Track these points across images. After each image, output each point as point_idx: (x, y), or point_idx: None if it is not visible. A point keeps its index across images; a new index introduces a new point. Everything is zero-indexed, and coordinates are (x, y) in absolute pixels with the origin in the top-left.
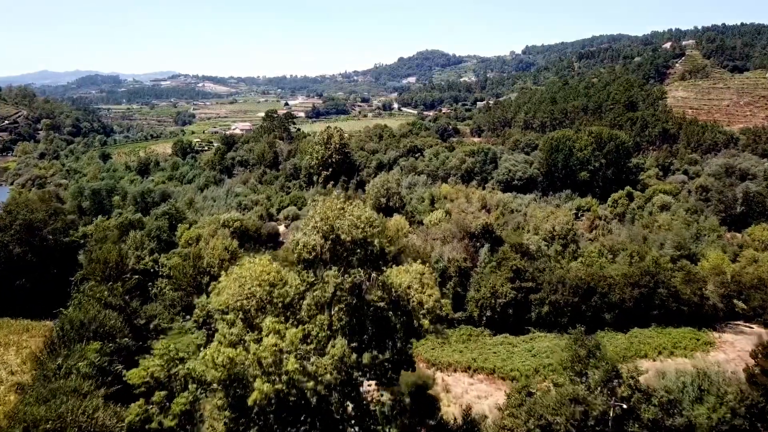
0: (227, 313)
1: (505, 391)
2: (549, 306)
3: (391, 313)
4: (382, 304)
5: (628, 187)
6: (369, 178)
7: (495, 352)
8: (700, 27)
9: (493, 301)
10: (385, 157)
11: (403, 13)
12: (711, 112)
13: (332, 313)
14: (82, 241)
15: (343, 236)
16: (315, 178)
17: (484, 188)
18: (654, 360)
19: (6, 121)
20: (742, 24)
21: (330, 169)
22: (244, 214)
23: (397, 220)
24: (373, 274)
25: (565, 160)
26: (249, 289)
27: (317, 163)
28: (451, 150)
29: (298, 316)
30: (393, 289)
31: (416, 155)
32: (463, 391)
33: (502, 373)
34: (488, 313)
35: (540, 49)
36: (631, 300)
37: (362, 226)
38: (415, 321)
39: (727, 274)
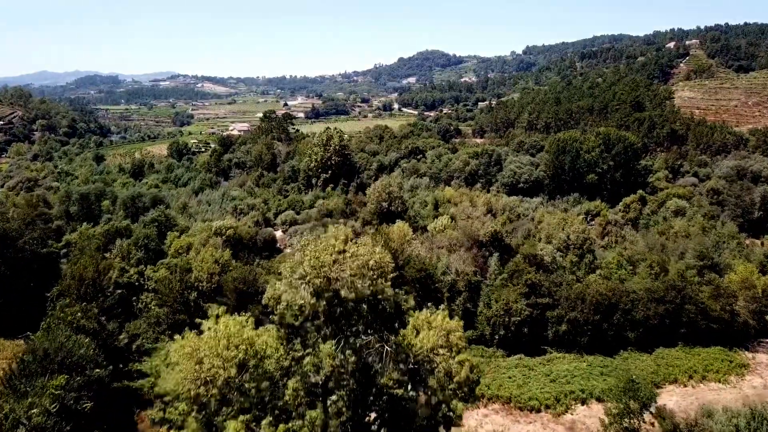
0: (179, 399)
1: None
2: (567, 324)
3: (412, 392)
4: (399, 391)
5: (640, 191)
6: (369, 181)
7: (510, 377)
8: (702, 27)
9: (506, 318)
10: (386, 159)
11: (403, 13)
12: (719, 113)
13: (328, 405)
14: (64, 251)
15: (343, 292)
16: (314, 180)
17: (488, 191)
18: (685, 386)
19: (1, 122)
20: (745, 24)
21: (329, 172)
22: (239, 220)
23: (400, 226)
24: (387, 347)
25: (572, 162)
26: (209, 369)
27: (316, 166)
28: (453, 151)
29: (280, 404)
30: (413, 355)
31: (418, 157)
32: (477, 425)
33: (519, 403)
34: (501, 332)
35: (541, 49)
36: (656, 317)
37: (370, 275)
38: (443, 406)
39: (758, 287)
